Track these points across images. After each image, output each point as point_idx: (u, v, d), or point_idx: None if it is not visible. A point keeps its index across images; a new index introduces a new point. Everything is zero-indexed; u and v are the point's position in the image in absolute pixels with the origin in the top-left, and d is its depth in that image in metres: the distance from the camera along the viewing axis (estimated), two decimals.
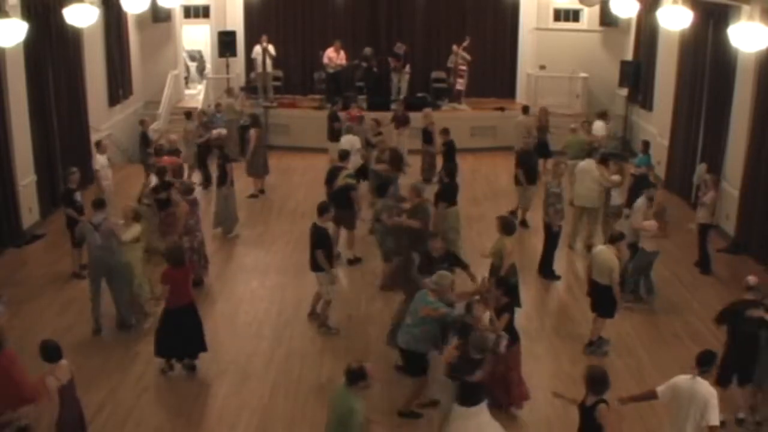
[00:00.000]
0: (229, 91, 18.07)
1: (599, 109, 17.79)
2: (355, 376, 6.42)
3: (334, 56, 19.06)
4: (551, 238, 11.81)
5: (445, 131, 14.87)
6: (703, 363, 6.68)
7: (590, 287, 9.58)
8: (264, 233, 13.63)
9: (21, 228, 12.80)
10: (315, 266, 9.86)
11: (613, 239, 9.52)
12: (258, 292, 11.31)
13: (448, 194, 11.96)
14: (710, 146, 14.14)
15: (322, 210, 9.84)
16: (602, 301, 9.43)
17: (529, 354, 8.91)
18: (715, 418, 6.40)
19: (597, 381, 6.39)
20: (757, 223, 12.20)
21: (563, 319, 10.74)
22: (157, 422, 8.18)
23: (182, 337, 8.88)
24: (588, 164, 12.64)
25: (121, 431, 7.99)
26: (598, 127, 16.28)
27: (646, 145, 14.53)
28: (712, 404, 6.40)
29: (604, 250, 9.42)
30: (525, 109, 17.23)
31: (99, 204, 10.48)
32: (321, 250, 9.71)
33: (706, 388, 6.50)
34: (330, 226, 10.70)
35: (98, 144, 14.08)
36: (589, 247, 12.71)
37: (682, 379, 6.65)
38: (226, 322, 10.43)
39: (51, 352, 6.91)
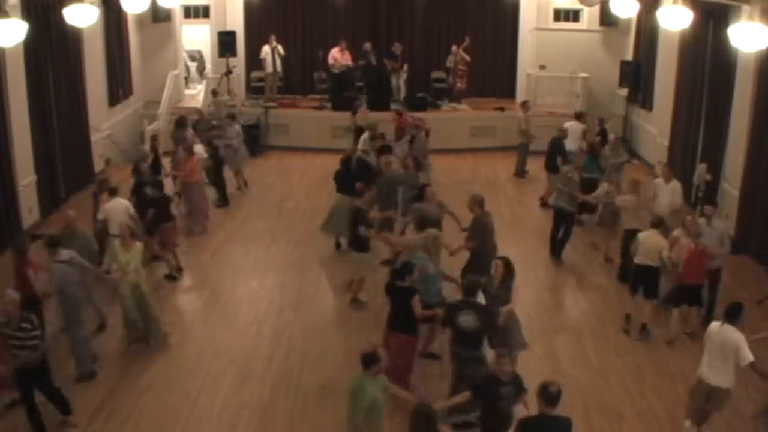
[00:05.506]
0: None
1: (600, 109, 17.74)
2: (369, 360, 6.55)
3: (339, 56, 19.03)
4: (568, 223, 12.22)
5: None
6: (730, 315, 7.36)
7: (637, 272, 10.02)
8: (264, 233, 13.62)
9: (21, 228, 12.79)
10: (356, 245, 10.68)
11: (656, 224, 10.02)
12: (258, 292, 11.31)
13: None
14: (710, 146, 14.13)
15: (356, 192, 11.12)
16: (650, 282, 9.94)
17: (529, 354, 8.90)
18: (748, 356, 7.09)
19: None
20: (757, 223, 12.20)
21: (563, 318, 10.75)
22: (157, 423, 8.16)
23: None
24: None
25: None
26: (574, 129, 15.19)
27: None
28: (743, 346, 7.10)
29: (651, 235, 9.88)
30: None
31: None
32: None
33: (734, 333, 7.19)
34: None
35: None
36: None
37: (713, 326, 7.46)
38: (226, 322, 10.43)
39: None
